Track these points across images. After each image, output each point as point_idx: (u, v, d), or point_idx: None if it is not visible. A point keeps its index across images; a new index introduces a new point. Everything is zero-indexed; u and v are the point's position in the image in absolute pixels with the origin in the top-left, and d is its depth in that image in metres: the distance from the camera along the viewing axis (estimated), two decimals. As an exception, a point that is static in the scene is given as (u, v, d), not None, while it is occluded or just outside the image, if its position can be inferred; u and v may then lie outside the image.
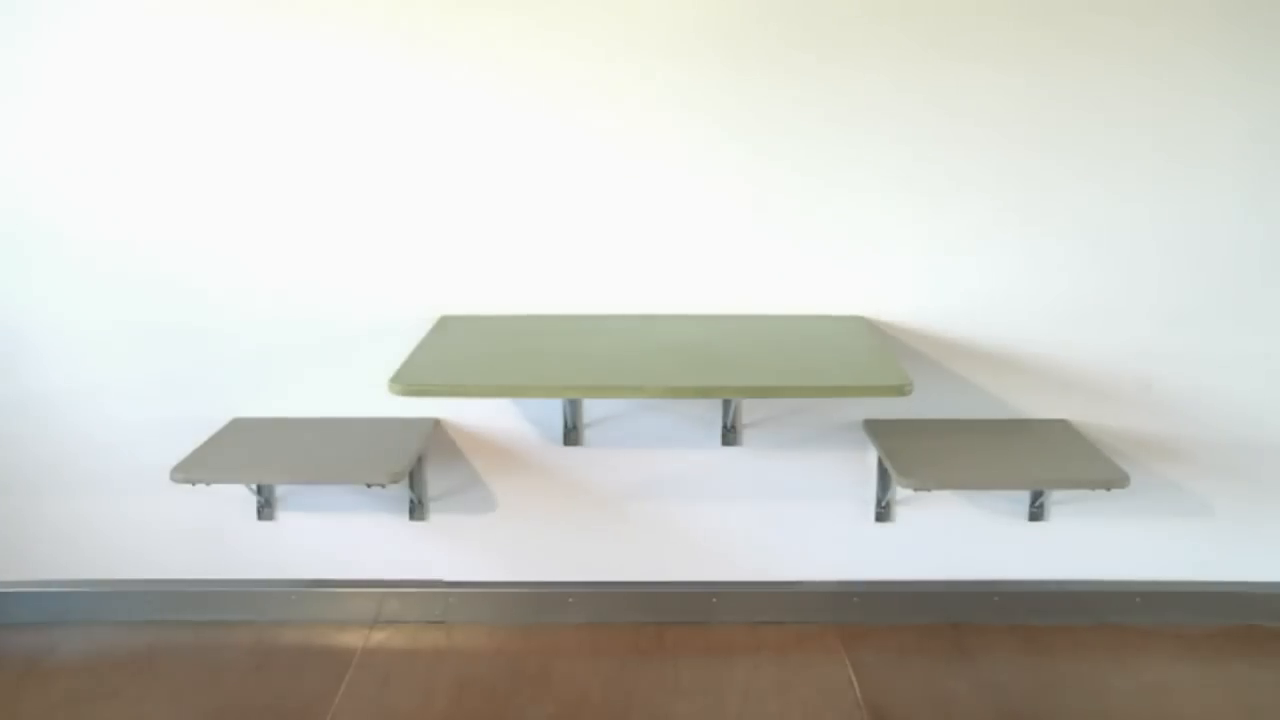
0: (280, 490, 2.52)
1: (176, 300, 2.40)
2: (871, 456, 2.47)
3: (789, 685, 2.31)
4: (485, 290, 2.39)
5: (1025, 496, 2.49)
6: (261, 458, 2.24)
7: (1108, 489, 2.18)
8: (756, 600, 2.55)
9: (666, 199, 2.32)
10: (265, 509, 2.51)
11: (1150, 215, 2.33)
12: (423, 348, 2.17)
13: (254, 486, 2.44)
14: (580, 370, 2.04)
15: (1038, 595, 2.55)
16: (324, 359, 2.43)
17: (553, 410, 2.45)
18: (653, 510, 2.53)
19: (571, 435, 2.47)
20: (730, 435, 2.46)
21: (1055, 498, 2.50)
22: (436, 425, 2.47)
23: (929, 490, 2.34)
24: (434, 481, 2.52)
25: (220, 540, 2.54)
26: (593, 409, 2.47)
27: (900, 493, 2.50)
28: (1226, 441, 2.46)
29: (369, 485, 2.31)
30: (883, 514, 2.52)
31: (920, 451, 2.27)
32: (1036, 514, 2.50)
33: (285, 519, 2.54)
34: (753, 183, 2.31)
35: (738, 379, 2.02)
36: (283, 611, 2.55)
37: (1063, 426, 2.43)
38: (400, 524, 2.54)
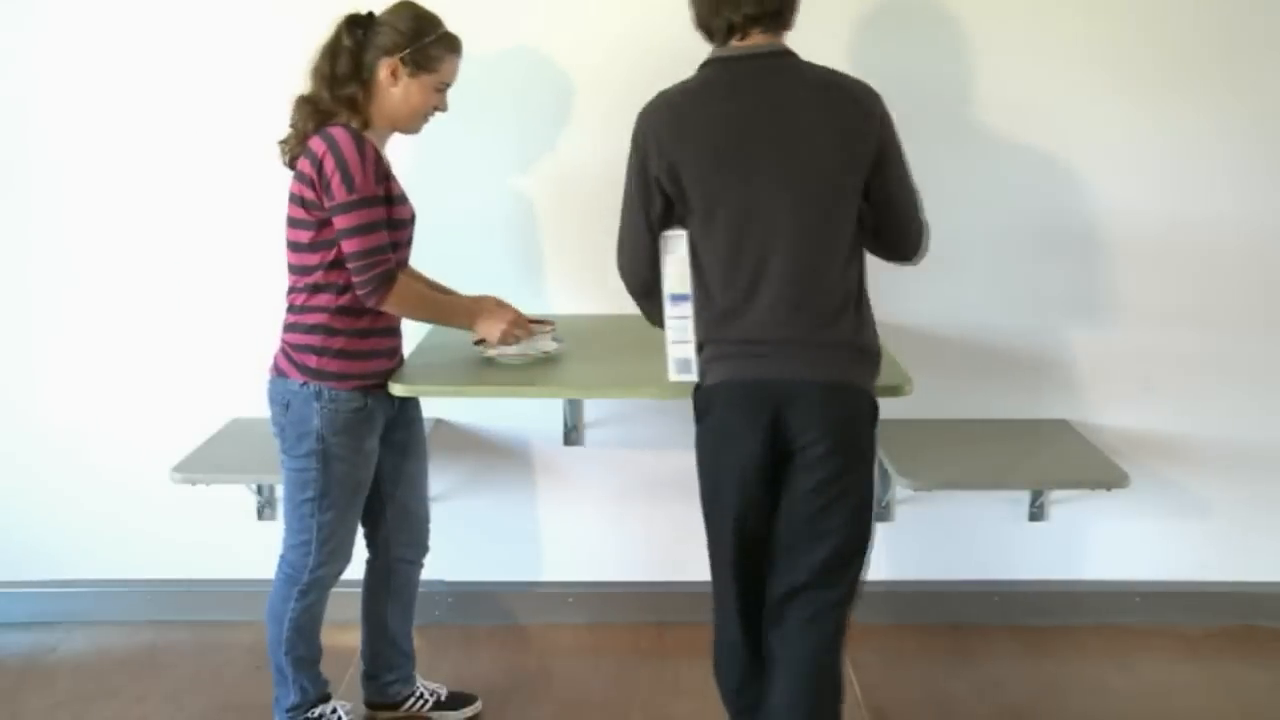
0: (280, 490, 2.51)
1: (177, 300, 2.41)
2: (871, 456, 2.46)
3: (789, 685, 2.30)
4: (485, 290, 2.38)
5: (1025, 496, 2.48)
6: (261, 458, 2.23)
7: (1108, 489, 2.19)
8: (756, 600, 2.55)
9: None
10: (265, 509, 2.50)
11: (1151, 215, 2.33)
12: (422, 348, 2.17)
13: (254, 486, 2.44)
14: (580, 370, 2.04)
15: (1038, 595, 2.55)
16: (324, 359, 2.42)
17: (553, 410, 2.45)
18: (653, 510, 2.52)
19: (571, 435, 2.46)
20: (730, 435, 2.46)
21: (1055, 498, 2.50)
22: (436, 425, 2.47)
23: (929, 490, 2.34)
24: (434, 481, 2.51)
25: (220, 540, 2.54)
26: (593, 409, 2.47)
27: (900, 493, 2.50)
28: (1226, 441, 2.46)
29: (369, 485, 2.31)
30: (883, 514, 2.51)
31: (920, 451, 2.27)
32: (1036, 514, 2.50)
33: (285, 519, 2.53)
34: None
35: (738, 379, 2.02)
36: (283, 611, 2.54)
37: (1063, 426, 2.43)
38: (400, 524, 2.53)
